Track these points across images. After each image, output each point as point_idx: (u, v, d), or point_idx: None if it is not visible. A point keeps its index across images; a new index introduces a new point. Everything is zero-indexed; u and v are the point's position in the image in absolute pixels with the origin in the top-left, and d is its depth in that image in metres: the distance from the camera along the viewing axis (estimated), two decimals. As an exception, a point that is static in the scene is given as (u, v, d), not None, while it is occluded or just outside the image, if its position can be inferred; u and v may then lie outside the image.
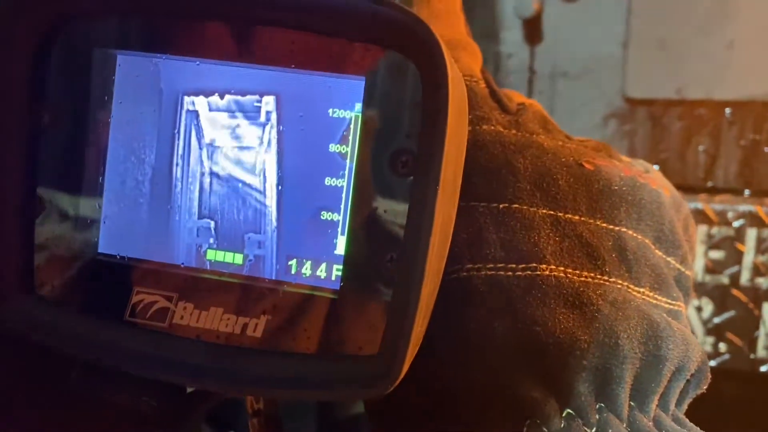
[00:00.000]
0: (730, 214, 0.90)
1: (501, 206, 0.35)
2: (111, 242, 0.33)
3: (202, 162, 0.32)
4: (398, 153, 0.29)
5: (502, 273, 0.34)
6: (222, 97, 0.31)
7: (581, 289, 0.34)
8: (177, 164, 0.32)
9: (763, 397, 0.96)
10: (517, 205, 0.35)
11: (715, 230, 0.90)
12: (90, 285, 0.33)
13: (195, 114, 0.32)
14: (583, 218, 0.36)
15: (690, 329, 0.39)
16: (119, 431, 0.34)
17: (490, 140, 0.37)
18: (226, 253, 0.32)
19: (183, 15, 0.31)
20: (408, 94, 0.29)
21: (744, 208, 0.89)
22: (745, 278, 0.91)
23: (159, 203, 0.32)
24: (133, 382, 0.34)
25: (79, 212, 0.33)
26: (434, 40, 0.27)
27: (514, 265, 0.34)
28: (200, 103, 0.32)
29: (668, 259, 0.39)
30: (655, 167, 0.91)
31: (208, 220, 0.32)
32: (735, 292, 0.91)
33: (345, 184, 0.31)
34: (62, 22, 0.32)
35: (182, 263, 0.32)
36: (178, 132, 0.32)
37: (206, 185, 0.32)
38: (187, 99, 0.32)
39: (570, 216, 0.36)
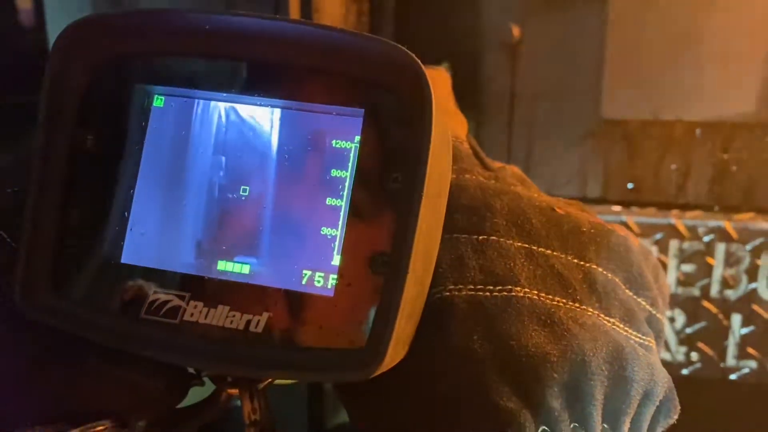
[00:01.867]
0: (700, 230, 0.93)
1: (480, 238, 0.38)
2: (133, 253, 0.36)
3: (213, 185, 0.35)
4: (389, 172, 0.33)
5: (480, 293, 0.37)
6: (237, 131, 0.35)
7: (553, 310, 0.37)
8: (192, 187, 0.35)
9: (733, 404, 0.99)
10: (494, 238, 0.39)
11: (686, 245, 0.94)
12: (114, 288, 0.36)
13: (211, 146, 0.35)
14: (555, 252, 0.39)
15: (660, 363, 0.41)
16: (129, 401, 0.37)
17: (472, 185, 0.41)
18: (235, 264, 0.35)
19: (205, 56, 0.35)
20: (400, 123, 0.33)
21: (713, 223, 0.93)
22: (714, 290, 0.94)
23: (176, 218, 0.35)
24: (144, 365, 0.37)
25: (108, 225, 0.36)
26: (425, 77, 0.30)
27: (491, 287, 0.37)
28: (217, 136, 0.35)
29: (638, 299, 0.41)
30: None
31: (214, 233, 0.35)
32: (705, 303, 0.95)
33: (343, 204, 0.34)
34: (110, 60, 0.36)
35: (194, 270, 0.35)
36: (196, 160, 0.35)
37: (216, 206, 0.35)
38: (206, 132, 0.35)
39: (543, 249, 0.39)
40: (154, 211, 0.36)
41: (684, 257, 0.94)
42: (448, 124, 0.35)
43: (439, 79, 0.49)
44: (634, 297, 0.41)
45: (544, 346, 0.35)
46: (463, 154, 0.43)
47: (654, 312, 0.42)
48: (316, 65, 0.33)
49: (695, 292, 0.95)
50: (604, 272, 0.40)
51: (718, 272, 0.94)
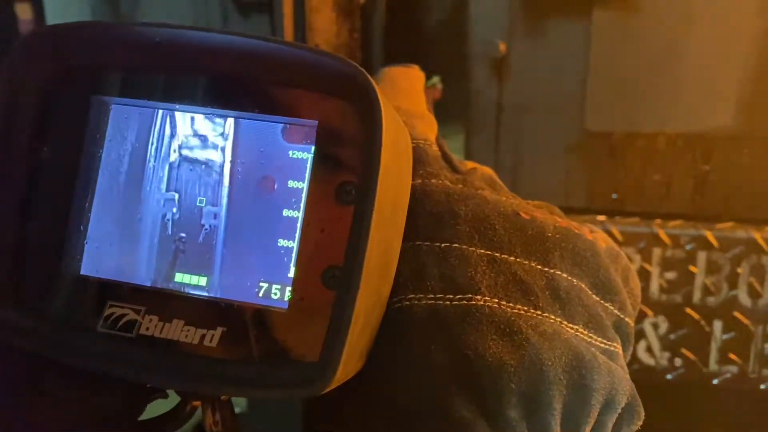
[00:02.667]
0: (682, 238, 0.91)
1: (442, 245, 0.37)
2: (92, 264, 0.35)
3: (169, 197, 0.34)
4: (343, 184, 0.31)
5: (440, 303, 0.35)
6: (192, 142, 0.33)
7: (513, 318, 0.35)
8: (149, 198, 0.34)
9: (715, 407, 0.97)
10: (456, 245, 0.37)
11: (669, 253, 0.92)
12: (70, 299, 0.35)
13: (167, 157, 0.34)
14: (518, 259, 0.37)
15: (626, 370, 0.40)
16: (86, 422, 0.36)
17: (437, 190, 0.39)
18: (192, 276, 0.34)
19: (162, 69, 0.33)
20: (353, 135, 0.31)
21: (695, 232, 0.91)
22: (696, 297, 0.92)
23: (133, 231, 0.34)
24: (103, 385, 0.35)
25: (66, 236, 0.35)
26: (373, 89, 0.29)
27: (451, 296, 0.35)
28: (173, 147, 0.34)
29: (605, 304, 0.39)
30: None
31: (171, 245, 0.34)
32: (688, 310, 0.93)
33: (300, 215, 0.33)
34: (63, 72, 0.34)
35: (150, 282, 0.34)
36: (152, 171, 0.34)
37: (173, 218, 0.34)
38: (162, 143, 0.34)
39: (506, 256, 0.37)
40: (111, 224, 0.34)
41: (667, 265, 0.92)
42: (403, 132, 0.33)
43: (406, 79, 0.47)
44: (601, 302, 0.39)
45: (502, 356, 0.34)
46: (431, 157, 0.41)
47: (622, 316, 0.40)
48: (268, 79, 0.32)
49: (678, 299, 0.93)
50: (569, 278, 0.38)
51: (699, 280, 0.92)
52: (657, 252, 0.92)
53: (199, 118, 0.34)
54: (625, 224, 0.92)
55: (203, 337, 0.32)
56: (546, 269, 0.38)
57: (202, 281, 0.34)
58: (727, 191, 0.93)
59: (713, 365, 0.93)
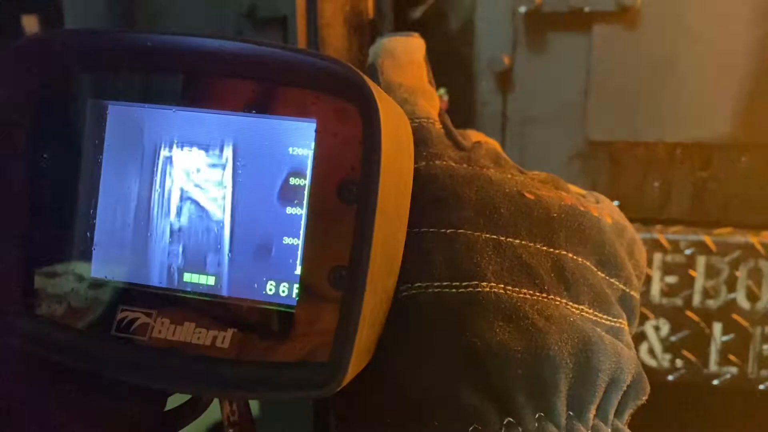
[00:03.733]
0: (682, 243, 0.89)
1: (448, 231, 0.35)
2: (101, 267, 0.33)
3: (174, 198, 0.32)
4: (344, 183, 0.30)
5: (446, 290, 0.33)
6: (193, 143, 0.32)
7: (518, 304, 0.33)
8: (154, 200, 0.32)
9: (715, 407, 0.94)
10: (462, 230, 0.35)
11: (669, 257, 0.89)
12: (83, 305, 0.33)
13: (168, 159, 0.32)
14: (523, 242, 0.36)
15: (633, 345, 0.38)
16: (108, 429, 0.34)
17: (441, 173, 0.37)
18: (200, 275, 0.32)
19: (159, 70, 0.32)
20: (353, 134, 0.29)
21: (694, 237, 0.89)
22: (696, 300, 0.90)
23: (140, 233, 0.32)
24: (122, 390, 0.34)
25: (74, 241, 0.33)
26: (368, 89, 0.27)
27: (457, 283, 0.34)
28: (175, 149, 0.32)
29: (611, 280, 0.38)
30: (616, 203, 0.90)
31: (178, 247, 0.32)
32: (688, 313, 0.90)
33: (303, 212, 0.31)
34: (59, 77, 0.33)
35: (159, 284, 0.32)
36: (156, 172, 0.32)
37: (178, 218, 0.32)
38: (164, 144, 0.32)
39: (511, 240, 0.35)
40: (118, 228, 0.33)
41: (667, 269, 0.90)
42: (403, 124, 0.32)
43: (406, 51, 0.44)
44: (607, 278, 0.38)
45: (509, 343, 0.32)
46: (434, 136, 0.39)
47: (627, 290, 0.39)
48: (265, 80, 0.30)
49: (678, 302, 0.90)
50: (574, 257, 0.36)
51: (699, 283, 0.89)
52: (658, 257, 0.90)
53: (199, 119, 0.32)
54: (626, 230, 0.90)
55: (215, 338, 0.31)
56: (551, 250, 0.36)
57: (211, 280, 0.32)
58: (725, 198, 0.90)
59: (713, 366, 0.90)
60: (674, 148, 0.90)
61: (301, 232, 0.31)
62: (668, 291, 0.90)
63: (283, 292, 0.31)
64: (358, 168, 0.29)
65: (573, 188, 0.44)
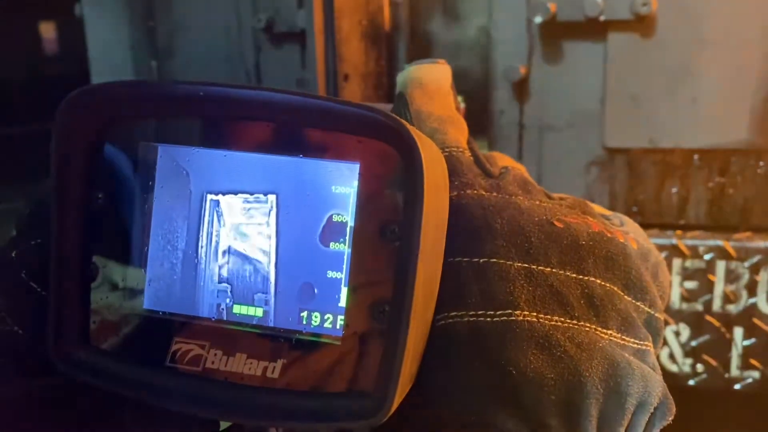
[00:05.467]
0: (701, 249, 0.91)
1: (481, 261, 0.37)
2: (154, 301, 0.35)
3: (222, 240, 0.35)
4: (386, 223, 0.32)
5: (481, 319, 0.36)
6: (240, 185, 0.34)
7: (551, 332, 0.35)
8: (202, 241, 0.35)
9: (737, 412, 0.96)
10: (494, 260, 0.37)
11: (688, 263, 0.92)
12: (137, 337, 0.35)
13: (215, 202, 0.35)
14: (554, 270, 0.38)
15: (658, 367, 0.40)
16: None
17: (473, 203, 0.39)
18: (249, 307, 0.35)
19: (208, 116, 0.34)
20: (394, 176, 0.32)
21: (713, 242, 0.91)
22: (716, 305, 0.92)
23: (189, 272, 0.35)
24: (175, 421, 0.36)
25: (128, 277, 0.36)
26: (412, 139, 0.29)
27: (492, 312, 0.36)
28: (221, 191, 0.35)
29: (637, 303, 0.40)
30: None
31: (226, 285, 0.35)
32: (708, 317, 0.92)
33: (346, 248, 0.33)
34: (113, 121, 0.35)
35: (210, 316, 0.35)
36: (203, 213, 0.35)
37: (226, 260, 0.35)
38: (211, 187, 0.35)
39: (542, 268, 0.38)
40: (170, 262, 0.35)
41: (687, 275, 0.92)
42: (440, 164, 0.34)
43: (434, 80, 0.46)
44: (633, 302, 0.39)
45: (542, 370, 0.34)
46: (464, 165, 0.41)
47: (653, 312, 0.40)
48: (312, 126, 0.33)
49: (698, 307, 0.92)
50: (603, 283, 0.38)
51: (719, 288, 0.91)
52: (677, 262, 0.92)
53: (246, 160, 0.35)
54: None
55: (266, 369, 0.33)
56: (581, 277, 0.38)
57: (259, 312, 0.35)
58: (744, 202, 0.92)
59: (735, 371, 0.92)
60: (691, 154, 0.92)
61: (344, 267, 0.33)
62: (688, 296, 0.92)
63: (328, 324, 0.34)
64: (400, 209, 0.32)
65: (598, 209, 0.46)
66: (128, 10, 1.05)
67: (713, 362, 0.93)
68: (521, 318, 0.36)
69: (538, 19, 0.86)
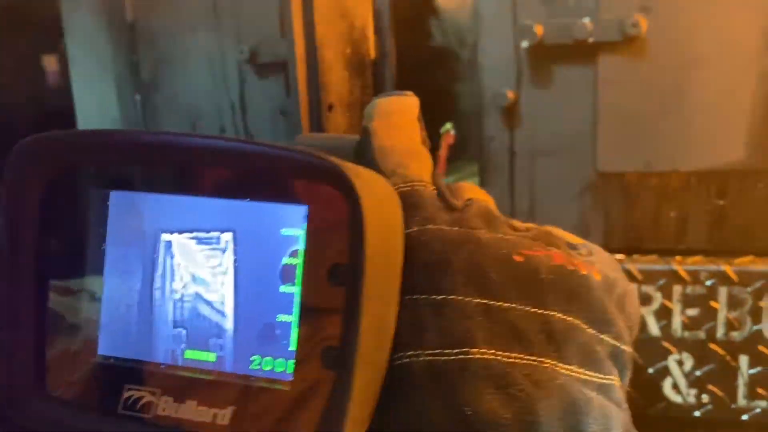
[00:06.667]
0: (702, 274, 0.91)
1: (439, 298, 0.38)
2: (109, 346, 0.36)
3: (176, 283, 0.36)
4: (335, 265, 0.33)
5: (438, 358, 0.36)
6: (193, 228, 0.35)
7: (508, 369, 0.36)
8: (156, 283, 0.36)
9: (746, 444, 0.95)
10: (453, 297, 0.38)
11: (689, 289, 0.91)
12: (92, 384, 0.36)
13: (169, 243, 0.36)
14: (512, 305, 0.38)
15: (624, 402, 0.40)
16: None
17: (433, 238, 0.40)
18: (201, 352, 0.35)
19: (157, 163, 0.36)
20: (341, 218, 0.33)
21: (714, 268, 0.91)
22: (720, 333, 0.92)
23: (144, 316, 0.36)
24: None
25: (81, 323, 0.37)
26: (350, 182, 0.30)
27: (449, 351, 0.36)
28: (175, 234, 0.36)
29: (601, 336, 0.40)
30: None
31: (181, 329, 0.35)
32: (712, 346, 0.92)
33: (296, 290, 0.34)
34: (63, 170, 0.37)
35: (164, 361, 0.35)
36: (157, 257, 0.36)
37: (181, 303, 0.35)
38: (164, 230, 0.36)
39: (500, 303, 0.38)
40: (123, 309, 0.36)
41: (688, 302, 0.92)
42: (389, 202, 0.35)
43: (399, 112, 0.47)
44: (597, 335, 0.40)
45: (498, 410, 0.35)
46: (426, 200, 0.42)
47: (619, 345, 0.41)
48: (260, 171, 0.34)
49: (701, 335, 0.92)
50: (564, 317, 0.39)
51: (722, 315, 0.91)
52: (677, 289, 0.92)
53: (196, 204, 0.35)
54: (643, 262, 0.92)
55: (215, 416, 0.34)
56: (540, 311, 0.38)
57: (212, 357, 0.35)
58: (744, 225, 0.92)
59: (742, 401, 0.92)
60: (688, 176, 0.92)
61: (294, 310, 0.34)
62: (690, 324, 0.92)
63: (279, 368, 0.34)
64: (346, 252, 0.32)
65: (569, 237, 0.46)
66: (112, 44, 1.07)
67: (719, 392, 0.92)
68: (478, 356, 0.36)
69: (524, 44, 0.87)
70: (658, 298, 0.92)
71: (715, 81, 0.88)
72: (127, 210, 0.36)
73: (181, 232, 0.36)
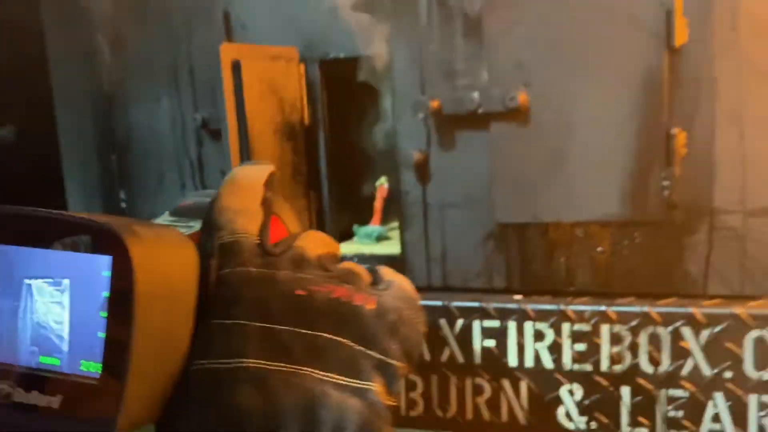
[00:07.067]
0: (586, 314, 1.04)
1: (228, 322, 0.52)
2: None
3: (34, 314, 0.52)
4: (125, 298, 0.49)
5: (218, 366, 0.51)
6: (44, 274, 0.52)
7: (270, 375, 0.49)
8: (19, 317, 0.52)
9: (627, 466, 1.06)
10: (238, 321, 0.53)
11: (576, 327, 1.04)
12: None
13: (30, 286, 0.52)
14: (287, 327, 0.52)
15: (381, 403, 0.53)
16: None
17: (235, 278, 0.54)
18: (49, 358, 0.52)
19: (19, 225, 0.52)
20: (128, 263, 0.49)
21: (596, 308, 1.03)
22: (604, 366, 1.04)
23: (11, 334, 0.52)
24: None
25: None
26: (120, 238, 0.47)
27: (227, 360, 0.51)
28: (33, 279, 0.52)
29: (368, 351, 0.53)
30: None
31: (35, 347, 0.52)
32: (597, 378, 1.04)
33: (107, 315, 0.50)
34: None
35: (21, 365, 0.52)
36: (21, 297, 0.52)
37: (36, 329, 0.52)
38: (25, 275, 0.52)
39: (276, 326, 0.52)
40: None
41: (576, 338, 1.04)
42: (170, 254, 0.51)
43: (246, 177, 0.59)
44: (364, 350, 0.52)
45: (252, 403, 0.48)
46: (245, 248, 0.54)
47: (384, 358, 0.52)
48: (83, 231, 0.50)
49: (588, 367, 1.04)
50: (331, 337, 0.51)
51: (605, 350, 1.03)
52: (566, 326, 1.04)
53: (43, 256, 0.52)
54: (538, 302, 1.06)
55: (50, 401, 0.50)
56: (310, 332, 0.51)
57: (56, 361, 0.51)
58: (625, 270, 1.05)
59: (625, 428, 1.03)
60: (574, 227, 1.06)
61: (105, 328, 0.50)
62: (578, 357, 1.05)
63: (94, 369, 0.50)
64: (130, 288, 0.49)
65: (385, 271, 0.59)
66: (91, 112, 1.27)
67: (605, 419, 1.04)
68: (250, 365, 0.51)
69: (420, 116, 1.03)
70: (550, 335, 1.05)
71: (591, 143, 1.02)
72: (2, 259, 0.53)
73: (36, 276, 0.52)
